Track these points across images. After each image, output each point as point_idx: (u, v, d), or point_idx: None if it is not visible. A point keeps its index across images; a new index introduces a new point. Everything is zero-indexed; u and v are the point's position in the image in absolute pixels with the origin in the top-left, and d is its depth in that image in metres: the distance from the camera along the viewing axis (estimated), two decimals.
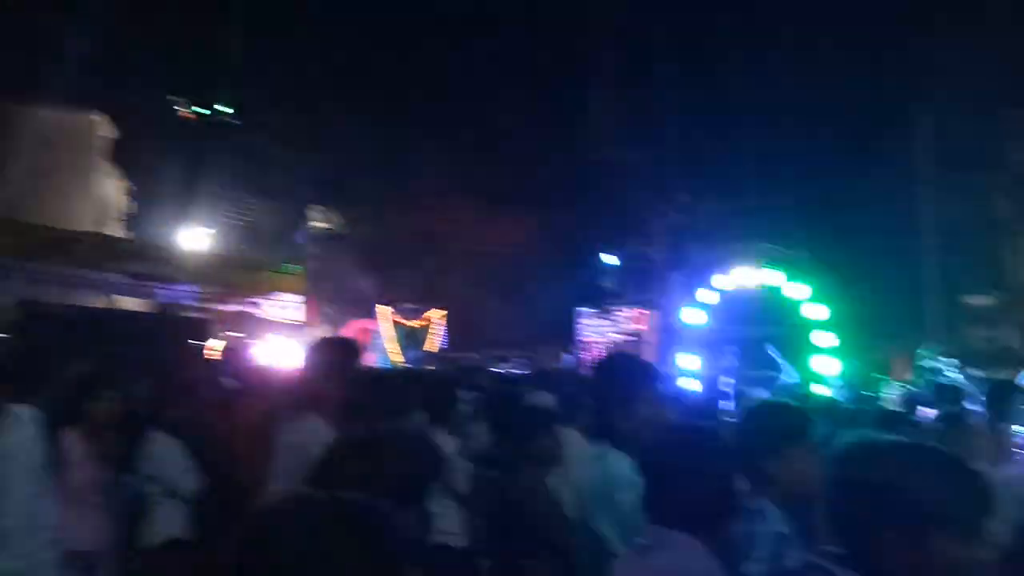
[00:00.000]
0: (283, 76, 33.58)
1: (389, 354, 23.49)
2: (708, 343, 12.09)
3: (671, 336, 12.72)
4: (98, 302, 13.83)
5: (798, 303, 11.80)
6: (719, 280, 13.09)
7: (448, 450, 4.15)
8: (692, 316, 12.79)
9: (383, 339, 24.27)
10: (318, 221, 32.26)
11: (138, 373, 7.17)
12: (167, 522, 4.34)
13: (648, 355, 14.27)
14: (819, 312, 11.60)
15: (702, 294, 13.09)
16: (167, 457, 4.38)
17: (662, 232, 19.75)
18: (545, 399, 5.44)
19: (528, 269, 31.36)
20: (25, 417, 3.21)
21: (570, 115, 36.69)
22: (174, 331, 13.24)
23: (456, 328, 29.47)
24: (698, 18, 31.78)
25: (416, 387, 4.19)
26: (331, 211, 33.35)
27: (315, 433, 3.07)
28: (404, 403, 2.74)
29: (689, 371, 11.31)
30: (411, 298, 28.10)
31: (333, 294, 29.68)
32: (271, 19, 35.43)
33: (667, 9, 32.51)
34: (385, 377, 4.14)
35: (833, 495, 1.66)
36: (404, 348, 24.38)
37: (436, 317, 26.28)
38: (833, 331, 11.32)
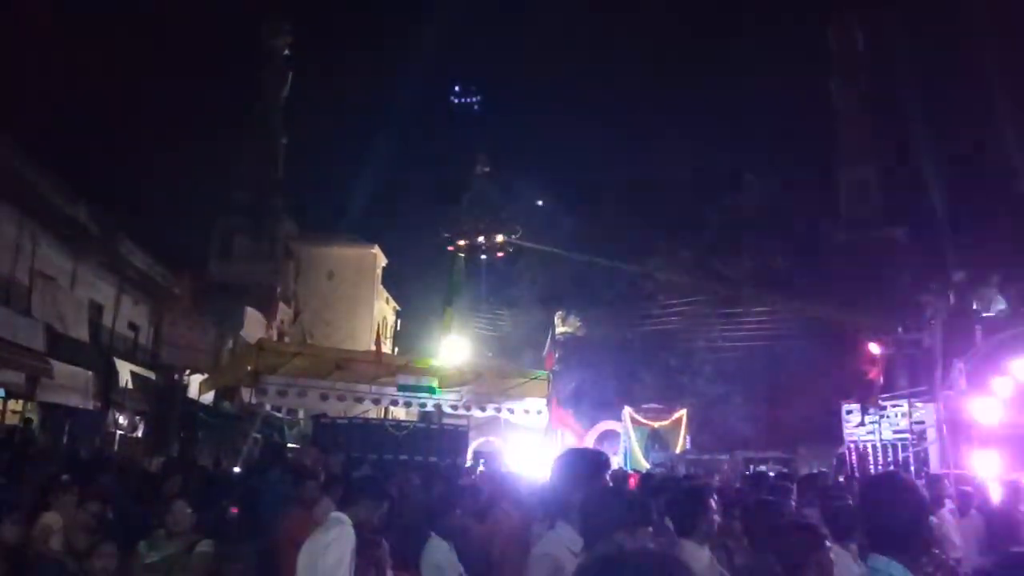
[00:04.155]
0: (525, 203, 36.46)
1: (633, 456, 23.08)
2: (1006, 440, 10.33)
3: (958, 433, 11.07)
4: (373, 413, 15.44)
5: None
6: (1015, 367, 11.32)
7: (700, 564, 3.98)
8: (984, 409, 11.09)
9: (627, 440, 23.96)
10: (561, 326, 33.49)
11: (410, 479, 7.85)
12: None
13: (932, 454, 12.50)
14: None
15: (995, 383, 11.37)
16: (443, 561, 4.67)
17: (937, 315, 17.49)
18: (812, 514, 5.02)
19: (783, 362, 29.39)
20: (344, 520, 3.72)
21: (821, 193, 34.87)
22: (438, 439, 14.35)
23: (703, 428, 28.25)
24: (959, 83, 29.20)
25: (661, 496, 4.12)
26: (573, 315, 34.49)
27: (564, 544, 3.17)
28: (648, 515, 2.74)
29: (985, 473, 9.69)
30: (654, 398, 27.67)
31: (577, 396, 30.22)
32: (513, 159, 39.28)
33: (926, 75, 30.35)
34: (628, 488, 4.11)
35: None
36: (647, 449, 23.84)
37: (681, 417, 25.44)
38: None
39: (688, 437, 25.26)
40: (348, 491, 3.93)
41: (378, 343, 16.17)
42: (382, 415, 16.26)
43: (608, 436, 25.67)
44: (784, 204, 32.47)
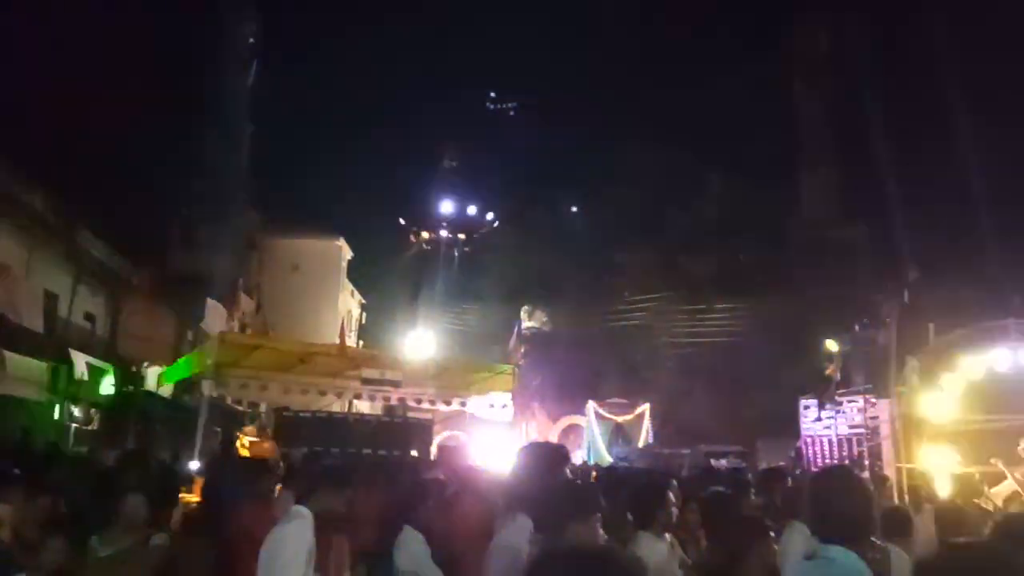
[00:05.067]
0: (492, 195, 36.45)
1: (597, 449, 23.27)
2: (957, 435, 10.66)
3: (911, 428, 11.39)
4: (336, 406, 15.34)
5: None
6: (965, 364, 11.67)
7: (657, 556, 4.04)
8: (935, 406, 11.43)
9: (591, 434, 24.14)
10: (527, 320, 33.57)
11: (375, 471, 7.80)
12: None
13: (885, 449, 12.82)
14: None
15: (946, 380, 11.72)
16: (419, 551, 4.67)
17: (892, 313, 17.93)
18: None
19: (744, 359, 29.88)
20: (304, 513, 3.70)
21: (783, 192, 35.44)
22: (402, 432, 14.31)
23: (666, 423, 28.59)
24: (920, 88, 29.89)
25: (620, 490, 4.17)
26: (539, 310, 34.59)
27: (524, 535, 3.22)
28: (598, 505, 2.80)
29: (937, 467, 10.01)
30: (618, 393, 27.90)
31: (542, 391, 30.34)
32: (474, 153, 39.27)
33: (888, 77, 30.99)
34: (585, 482, 4.17)
35: None
36: (611, 443, 24.06)
37: (644, 411, 25.69)
38: None
39: (651, 432, 25.53)
40: (309, 481, 3.90)
41: (342, 336, 16.10)
42: (346, 409, 16.16)
43: (573, 430, 25.84)
44: (747, 203, 32.98)
